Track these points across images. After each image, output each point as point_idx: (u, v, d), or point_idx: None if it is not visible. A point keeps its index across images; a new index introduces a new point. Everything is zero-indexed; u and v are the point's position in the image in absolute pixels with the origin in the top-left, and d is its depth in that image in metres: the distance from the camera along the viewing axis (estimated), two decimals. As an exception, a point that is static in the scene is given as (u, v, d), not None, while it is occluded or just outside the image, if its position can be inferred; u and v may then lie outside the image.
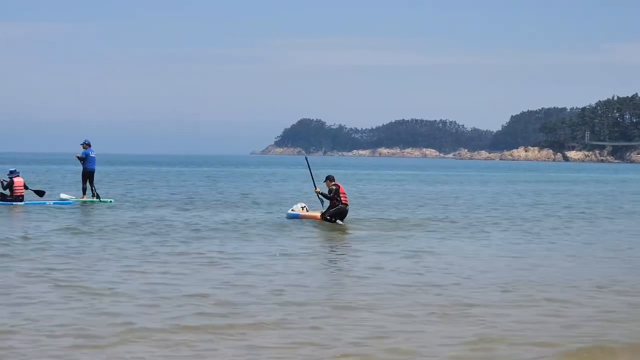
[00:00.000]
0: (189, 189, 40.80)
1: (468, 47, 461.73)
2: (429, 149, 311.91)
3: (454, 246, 17.65)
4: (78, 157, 30.03)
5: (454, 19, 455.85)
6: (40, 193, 28.54)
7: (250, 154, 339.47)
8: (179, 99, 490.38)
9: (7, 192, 27.07)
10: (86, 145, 29.91)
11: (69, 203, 27.84)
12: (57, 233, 18.51)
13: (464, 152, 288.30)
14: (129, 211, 25.44)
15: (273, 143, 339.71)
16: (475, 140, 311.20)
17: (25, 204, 26.86)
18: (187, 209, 26.60)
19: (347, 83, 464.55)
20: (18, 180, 27.18)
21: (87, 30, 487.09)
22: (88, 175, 29.69)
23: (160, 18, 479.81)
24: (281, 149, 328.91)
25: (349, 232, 20.59)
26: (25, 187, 27.54)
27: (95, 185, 29.88)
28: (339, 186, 22.69)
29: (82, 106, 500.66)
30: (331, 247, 17.88)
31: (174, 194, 35.96)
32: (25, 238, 17.35)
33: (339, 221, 22.23)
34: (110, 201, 29.25)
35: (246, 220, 23.00)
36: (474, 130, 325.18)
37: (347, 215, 22.62)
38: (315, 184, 23.77)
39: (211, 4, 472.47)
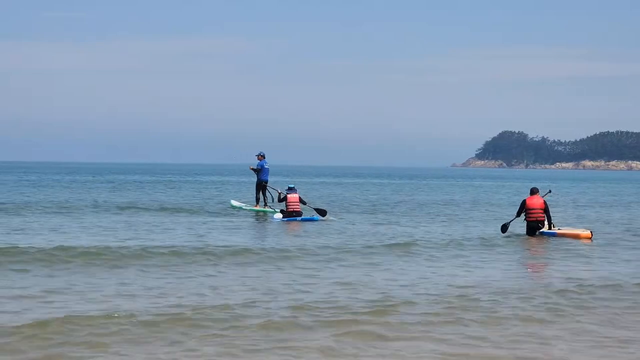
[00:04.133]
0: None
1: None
2: (635, 162, 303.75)
3: None
4: (252, 169, 30.97)
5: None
6: (322, 212, 28.13)
7: (451, 166, 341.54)
8: (378, 111, 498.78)
9: (284, 207, 27.66)
10: (261, 157, 30.78)
11: (315, 219, 27.11)
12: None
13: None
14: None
15: (474, 155, 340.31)
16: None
17: (301, 219, 27.00)
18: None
19: (549, 94, 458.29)
20: (292, 197, 27.43)
21: (277, 44, 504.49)
22: (262, 186, 30.86)
23: (354, 30, 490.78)
24: (482, 162, 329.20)
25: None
26: (302, 203, 27.70)
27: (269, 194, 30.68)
28: (524, 200, 22.39)
29: (280, 118, 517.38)
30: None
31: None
32: None
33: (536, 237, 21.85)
34: (275, 211, 28.94)
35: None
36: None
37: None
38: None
39: (420, 15, 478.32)
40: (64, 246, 18.07)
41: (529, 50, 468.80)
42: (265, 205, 31.04)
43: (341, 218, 28.90)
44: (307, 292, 13.41)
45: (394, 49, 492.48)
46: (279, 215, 27.53)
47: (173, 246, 18.80)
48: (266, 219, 28.30)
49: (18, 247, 17.78)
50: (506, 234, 22.64)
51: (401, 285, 14.22)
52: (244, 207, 31.97)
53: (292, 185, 28.50)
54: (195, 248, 18.57)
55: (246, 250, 18.45)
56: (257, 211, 30.76)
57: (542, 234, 22.29)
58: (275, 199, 29.84)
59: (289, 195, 27.54)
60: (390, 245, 20.06)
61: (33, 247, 17.78)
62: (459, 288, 13.94)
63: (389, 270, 16.11)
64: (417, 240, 21.41)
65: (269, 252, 18.32)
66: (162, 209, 32.33)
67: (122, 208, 32.20)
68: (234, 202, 33.46)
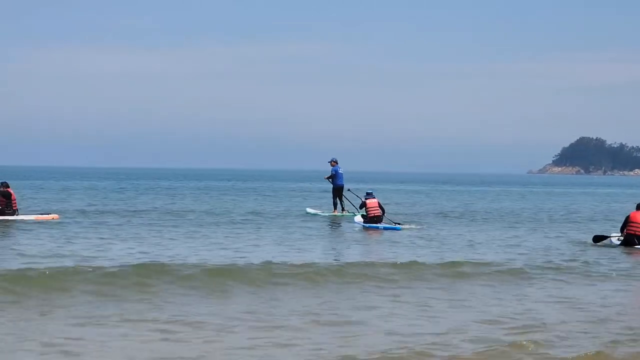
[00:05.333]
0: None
1: None
2: None
3: None
4: (327, 178, 31.62)
5: None
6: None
7: (527, 173, 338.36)
8: (456, 116, 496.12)
9: (364, 212, 27.54)
10: (334, 162, 31.27)
11: (397, 229, 26.13)
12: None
13: None
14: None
15: (551, 162, 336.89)
16: None
17: (383, 227, 26.44)
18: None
19: (629, 99, 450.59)
20: (371, 202, 27.25)
21: (351, 48, 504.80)
22: (338, 191, 31.42)
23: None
24: (559, 168, 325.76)
25: None
26: (381, 209, 27.23)
27: (345, 201, 31.30)
28: (629, 215, 22.53)
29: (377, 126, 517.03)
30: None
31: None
32: None
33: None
34: (354, 214, 29.44)
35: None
36: None
37: None
38: None
39: (480, 21, 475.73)
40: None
41: (608, 54, 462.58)
42: (343, 210, 31.61)
43: (421, 227, 27.70)
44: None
45: (469, 55, 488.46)
46: (359, 219, 27.75)
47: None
48: (341, 224, 28.51)
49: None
50: (599, 244, 22.86)
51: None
52: (320, 214, 31.97)
53: (370, 191, 28.31)
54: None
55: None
56: (336, 216, 31.10)
57: (636, 247, 22.10)
58: (357, 206, 29.31)
59: (367, 201, 27.37)
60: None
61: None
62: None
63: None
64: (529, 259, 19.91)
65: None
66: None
67: (279, 215, 31.96)
68: (310, 210, 33.54)
